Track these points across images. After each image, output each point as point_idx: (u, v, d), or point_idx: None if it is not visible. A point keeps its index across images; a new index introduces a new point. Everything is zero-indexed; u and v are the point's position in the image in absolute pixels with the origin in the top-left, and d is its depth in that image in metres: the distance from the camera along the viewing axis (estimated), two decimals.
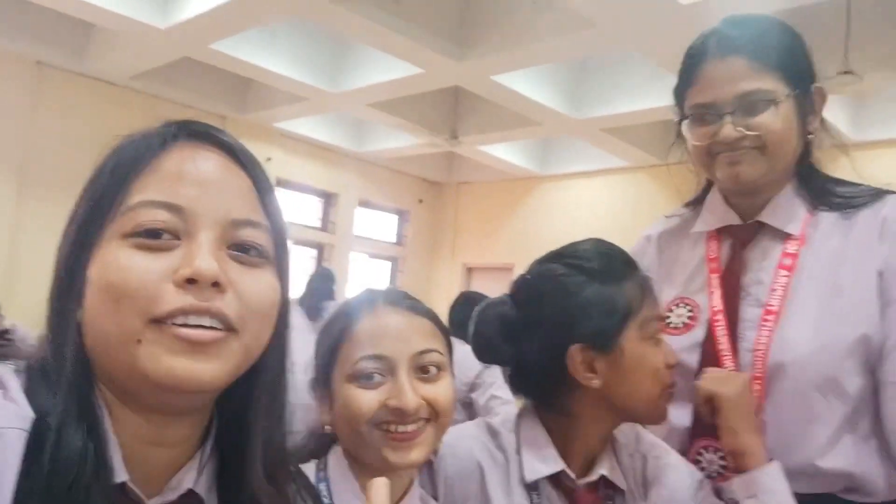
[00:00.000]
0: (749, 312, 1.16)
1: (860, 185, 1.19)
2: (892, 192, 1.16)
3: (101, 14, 5.22)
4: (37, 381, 0.59)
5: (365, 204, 9.12)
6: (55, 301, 0.62)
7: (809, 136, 1.17)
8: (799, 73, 1.13)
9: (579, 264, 1.06)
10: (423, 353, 0.93)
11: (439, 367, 0.94)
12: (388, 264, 9.57)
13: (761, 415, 1.10)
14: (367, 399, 0.90)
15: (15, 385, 0.58)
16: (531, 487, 1.05)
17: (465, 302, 3.69)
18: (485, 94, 6.33)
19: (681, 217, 1.37)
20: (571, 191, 8.70)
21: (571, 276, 1.06)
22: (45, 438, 0.55)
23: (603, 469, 1.07)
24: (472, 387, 3.06)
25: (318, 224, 8.82)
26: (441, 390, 0.93)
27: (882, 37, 4.86)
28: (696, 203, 1.33)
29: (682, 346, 1.19)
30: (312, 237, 8.64)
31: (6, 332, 4.13)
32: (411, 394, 0.89)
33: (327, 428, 0.97)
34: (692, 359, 1.18)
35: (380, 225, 9.44)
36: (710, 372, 1.12)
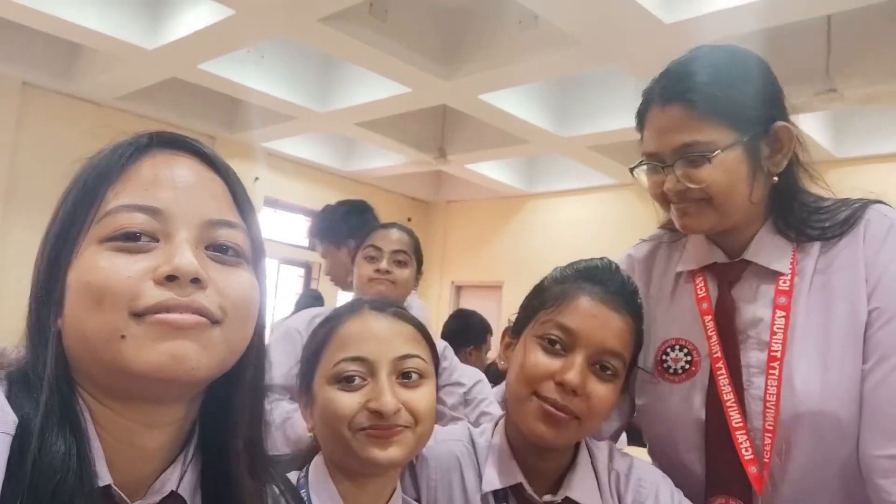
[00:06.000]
0: (752, 357, 1.11)
1: (842, 206, 1.12)
2: (876, 203, 1.11)
3: (88, 35, 5.23)
4: (18, 387, 0.59)
5: None
6: (34, 310, 0.62)
7: (774, 179, 1.10)
8: (750, 118, 1.06)
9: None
10: (404, 357, 0.93)
11: (421, 374, 0.94)
12: None
13: (768, 470, 1.07)
14: (347, 401, 0.90)
15: None
16: (501, 498, 1.05)
17: (457, 316, 3.70)
18: (472, 113, 6.37)
19: (661, 242, 1.30)
20: (559, 208, 8.74)
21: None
22: (28, 443, 0.55)
23: (570, 490, 1.04)
24: (463, 403, 3.04)
25: (307, 243, 8.80)
26: (421, 396, 0.92)
27: (863, 55, 4.94)
28: (676, 229, 1.23)
29: (684, 394, 1.15)
30: (300, 256, 8.62)
31: None
32: (390, 396, 0.89)
33: (309, 434, 0.96)
34: (699, 410, 1.13)
35: None
36: None
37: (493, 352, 4.07)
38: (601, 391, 1.01)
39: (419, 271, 2.16)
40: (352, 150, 8.64)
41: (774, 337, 1.09)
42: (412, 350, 0.94)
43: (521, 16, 4.95)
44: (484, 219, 9.42)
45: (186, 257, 0.59)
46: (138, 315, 0.58)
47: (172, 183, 0.63)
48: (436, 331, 3.34)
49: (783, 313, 1.09)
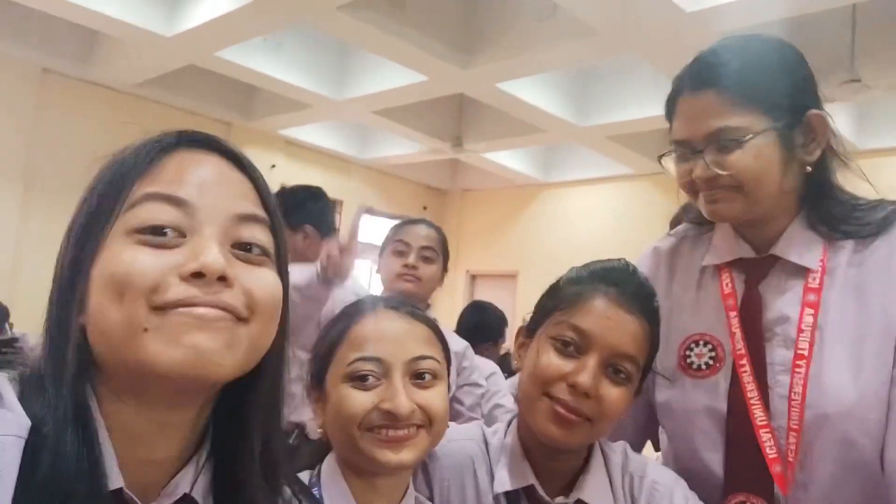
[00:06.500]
0: (778, 355, 1.08)
1: (878, 206, 1.10)
2: None
3: (107, 22, 5.25)
4: (31, 389, 0.59)
5: (369, 211, 9.13)
6: (56, 304, 0.62)
7: (808, 170, 1.08)
8: (784, 104, 1.04)
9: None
10: (418, 359, 0.93)
11: (434, 375, 0.94)
12: None
13: (793, 469, 1.04)
14: (360, 400, 0.90)
15: (10, 394, 0.57)
16: (513, 500, 1.05)
17: (475, 310, 3.69)
18: (489, 102, 6.34)
19: (686, 235, 1.28)
20: (575, 198, 8.70)
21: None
22: (40, 447, 0.55)
23: (582, 492, 1.04)
24: (480, 401, 3.05)
25: None
26: (435, 397, 0.93)
27: (888, 45, 4.86)
28: (702, 222, 1.23)
29: (708, 391, 1.13)
30: None
31: (15, 340, 4.13)
32: (404, 397, 0.89)
33: (319, 431, 0.97)
34: (721, 405, 1.12)
35: (384, 232, 9.44)
36: None
37: (509, 341, 4.06)
38: (614, 394, 1.00)
39: (444, 268, 2.15)
40: (368, 138, 8.64)
41: (802, 335, 1.06)
42: (426, 351, 0.94)
43: (540, 5, 4.92)
44: (499, 208, 9.40)
45: (213, 254, 0.59)
46: (161, 308, 0.57)
47: (199, 179, 0.62)
48: (448, 323, 3.34)
49: (812, 311, 1.07)
